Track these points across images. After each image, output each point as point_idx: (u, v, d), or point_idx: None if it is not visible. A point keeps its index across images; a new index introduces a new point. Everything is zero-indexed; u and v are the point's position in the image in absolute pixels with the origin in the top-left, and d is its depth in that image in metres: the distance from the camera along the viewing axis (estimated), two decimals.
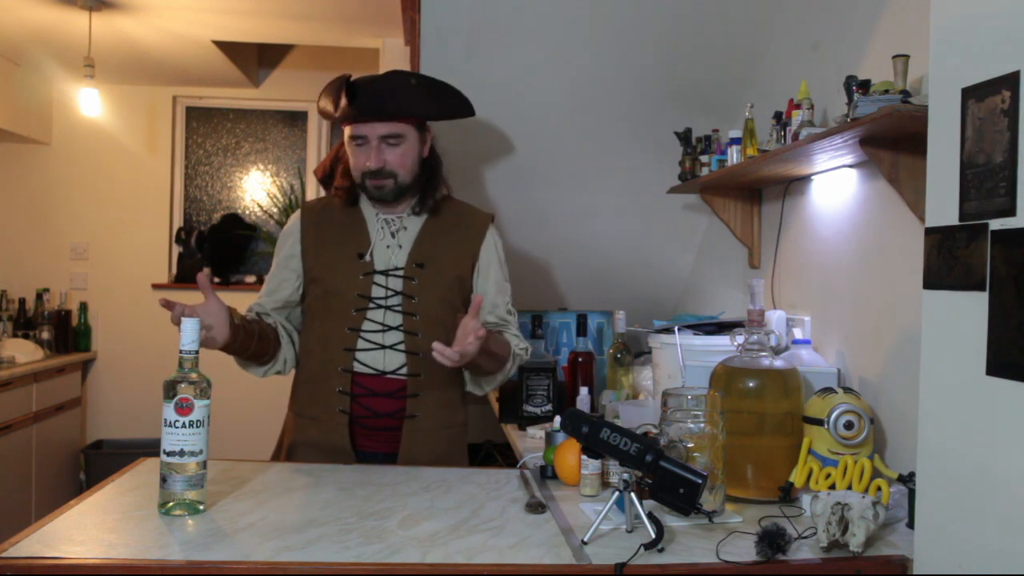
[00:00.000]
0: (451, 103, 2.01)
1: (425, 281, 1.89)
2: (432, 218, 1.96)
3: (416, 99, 1.91)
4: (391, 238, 1.92)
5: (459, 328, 1.71)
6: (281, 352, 1.92)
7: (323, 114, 2.00)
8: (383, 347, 1.86)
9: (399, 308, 1.87)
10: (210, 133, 4.99)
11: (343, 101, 1.83)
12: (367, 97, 1.84)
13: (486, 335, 1.68)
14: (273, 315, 1.94)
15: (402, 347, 1.87)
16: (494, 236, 2.01)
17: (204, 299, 1.68)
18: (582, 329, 2.59)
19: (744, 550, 1.31)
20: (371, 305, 1.87)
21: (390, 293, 1.88)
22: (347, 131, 1.89)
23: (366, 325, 1.87)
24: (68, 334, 4.58)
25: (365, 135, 1.85)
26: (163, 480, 1.39)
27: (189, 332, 1.42)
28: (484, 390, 1.99)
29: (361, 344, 1.86)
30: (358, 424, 1.88)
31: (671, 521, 1.43)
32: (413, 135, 1.90)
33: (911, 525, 1.41)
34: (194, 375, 1.41)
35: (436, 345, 1.62)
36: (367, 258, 1.90)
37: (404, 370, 1.87)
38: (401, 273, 1.89)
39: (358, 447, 1.88)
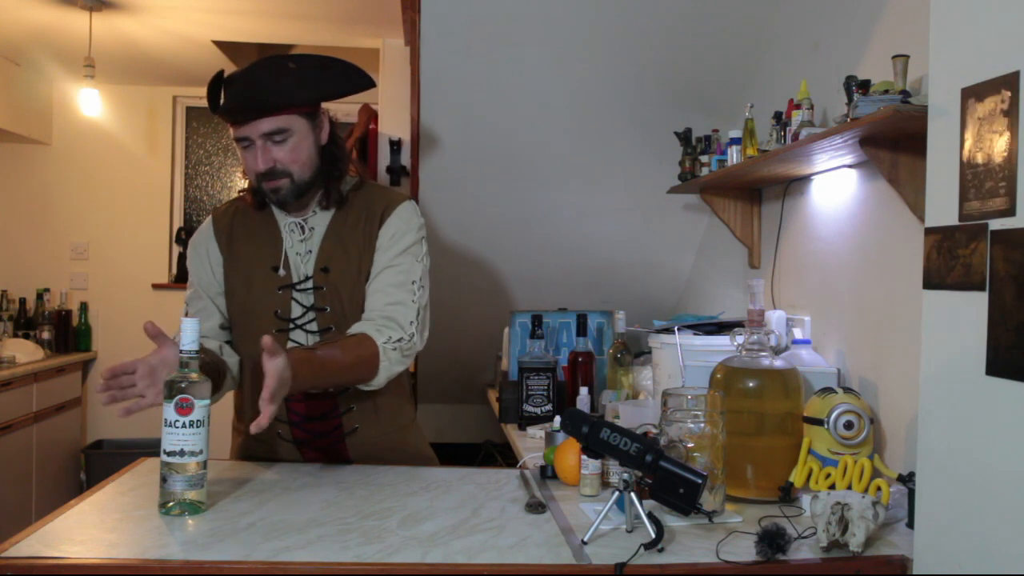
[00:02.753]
0: (335, 80, 1.73)
1: (332, 287, 1.72)
2: (339, 212, 1.75)
3: (295, 85, 1.66)
4: (300, 244, 1.74)
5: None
6: (227, 377, 1.72)
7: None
8: None
9: (314, 328, 1.71)
10: (210, 133, 4.99)
11: (221, 101, 1.63)
12: (238, 93, 1.63)
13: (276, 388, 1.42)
14: (211, 340, 1.74)
15: None
16: (403, 215, 1.76)
17: (159, 349, 1.50)
18: (582, 329, 2.59)
19: (744, 550, 1.31)
20: (290, 326, 1.72)
21: (303, 310, 1.72)
22: (231, 133, 1.68)
23: (289, 346, 1.70)
24: (68, 334, 4.58)
25: (247, 135, 1.64)
26: (163, 480, 1.39)
27: (189, 332, 1.41)
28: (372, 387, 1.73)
29: None
30: (303, 445, 1.79)
31: (671, 521, 1.43)
32: (302, 126, 1.68)
33: (911, 525, 1.41)
34: (194, 375, 1.41)
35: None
36: (281, 272, 1.72)
37: (331, 389, 1.73)
38: (311, 284, 1.72)
39: (307, 460, 1.79)
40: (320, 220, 1.75)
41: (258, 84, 1.64)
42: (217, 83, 1.65)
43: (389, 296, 1.70)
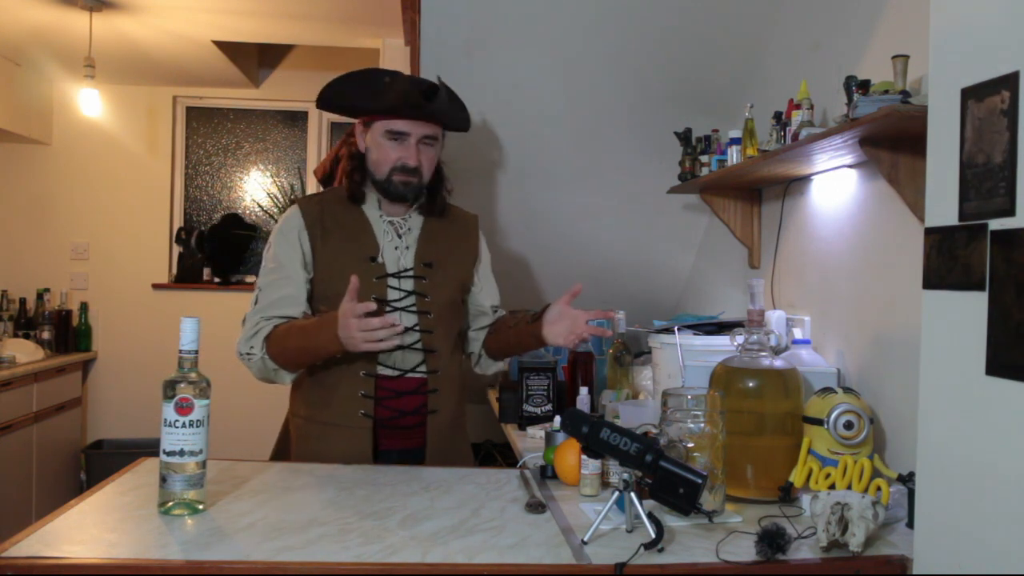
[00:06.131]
0: (462, 117, 2.05)
1: (435, 280, 1.93)
2: (430, 219, 1.99)
3: (452, 105, 1.98)
4: (398, 239, 1.94)
5: (563, 317, 1.87)
6: None
7: (337, 102, 1.96)
8: (401, 347, 1.86)
9: (413, 308, 1.90)
10: (210, 133, 4.99)
11: (404, 96, 1.83)
12: (431, 100, 1.87)
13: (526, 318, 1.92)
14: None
15: (419, 346, 1.89)
16: (482, 234, 2.12)
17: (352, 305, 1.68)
18: None
19: (744, 550, 1.31)
20: (388, 308, 1.87)
21: (403, 294, 1.90)
22: (381, 125, 1.88)
23: None
24: (68, 334, 4.58)
25: (408, 132, 1.88)
26: (163, 480, 1.40)
27: (189, 332, 1.42)
28: (501, 369, 2.12)
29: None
30: (381, 426, 1.88)
31: (671, 521, 1.43)
32: (440, 140, 1.97)
33: (911, 525, 1.41)
34: (194, 375, 1.41)
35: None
36: (379, 260, 1.90)
37: (423, 367, 1.90)
38: (411, 274, 1.92)
39: (380, 447, 1.89)
40: (415, 223, 1.97)
41: (440, 95, 1.90)
42: (376, 76, 1.92)
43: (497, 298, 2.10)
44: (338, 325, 1.68)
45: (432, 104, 1.86)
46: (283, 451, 2.00)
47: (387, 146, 1.88)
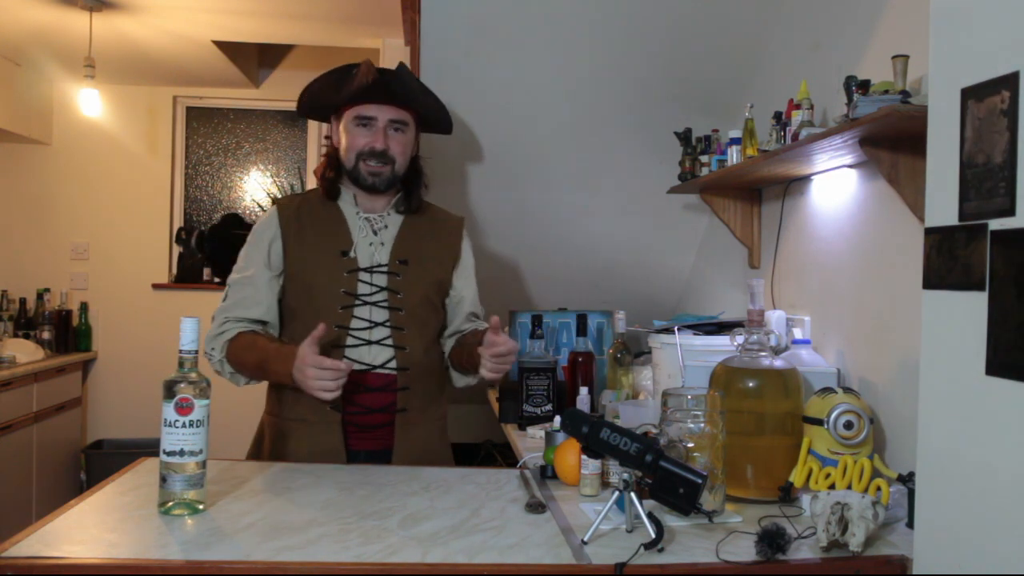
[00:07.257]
0: (441, 113, 2.05)
1: (409, 278, 1.91)
2: (410, 218, 1.98)
3: (424, 93, 1.98)
4: (373, 235, 1.93)
5: (487, 346, 1.71)
6: None
7: (312, 103, 1.99)
8: (371, 343, 1.86)
9: (385, 304, 1.88)
10: (210, 133, 4.99)
11: (364, 78, 1.85)
12: (389, 78, 1.88)
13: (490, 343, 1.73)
14: (267, 326, 1.92)
15: (389, 342, 1.87)
16: (467, 238, 2.07)
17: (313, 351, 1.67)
18: (582, 329, 2.59)
19: (744, 550, 1.31)
20: (357, 302, 1.87)
21: (375, 289, 1.89)
22: (349, 113, 1.90)
23: (354, 323, 1.86)
24: (68, 334, 4.58)
25: (374, 116, 1.88)
26: (163, 480, 1.40)
27: (189, 332, 1.42)
28: (470, 383, 2.03)
29: (350, 340, 1.86)
30: (350, 423, 1.87)
31: (671, 521, 1.43)
32: (413, 128, 1.95)
33: (911, 525, 1.41)
34: (194, 375, 1.41)
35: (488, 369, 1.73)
36: (352, 254, 1.90)
37: (393, 363, 1.87)
38: (385, 269, 1.90)
39: (349, 447, 1.87)
40: (393, 221, 1.96)
41: (405, 78, 1.91)
42: (350, 68, 1.91)
43: (480, 314, 2.05)
44: (294, 364, 1.68)
45: (385, 79, 1.86)
46: (257, 451, 1.97)
47: (355, 132, 1.90)
